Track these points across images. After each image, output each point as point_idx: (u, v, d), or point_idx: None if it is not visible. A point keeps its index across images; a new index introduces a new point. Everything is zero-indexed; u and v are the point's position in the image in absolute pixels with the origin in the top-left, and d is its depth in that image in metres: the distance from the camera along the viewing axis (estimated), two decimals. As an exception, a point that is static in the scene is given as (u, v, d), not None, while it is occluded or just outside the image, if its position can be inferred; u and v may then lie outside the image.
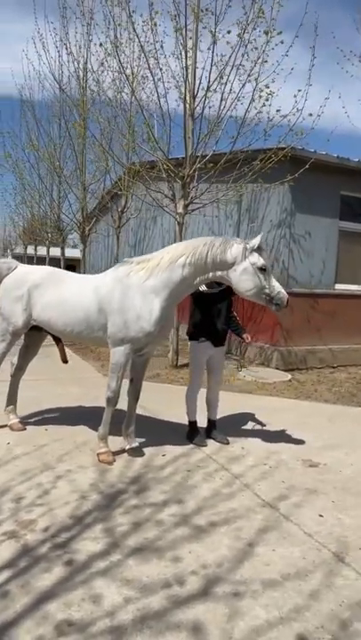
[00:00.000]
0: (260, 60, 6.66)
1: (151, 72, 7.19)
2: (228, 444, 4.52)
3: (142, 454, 4.17)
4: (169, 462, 4.06)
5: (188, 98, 7.29)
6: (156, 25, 6.49)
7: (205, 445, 4.46)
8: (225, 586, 2.48)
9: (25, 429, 4.68)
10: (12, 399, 4.73)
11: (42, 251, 21.50)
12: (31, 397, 5.81)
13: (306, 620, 2.25)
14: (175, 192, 7.72)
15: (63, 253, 15.44)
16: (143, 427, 4.89)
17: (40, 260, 19.80)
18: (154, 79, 7.21)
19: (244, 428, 5.05)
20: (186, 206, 7.61)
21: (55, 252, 17.55)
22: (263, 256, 3.72)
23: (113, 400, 4.06)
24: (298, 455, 4.32)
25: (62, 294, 4.03)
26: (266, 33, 6.36)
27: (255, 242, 3.71)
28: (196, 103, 7.32)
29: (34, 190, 14.96)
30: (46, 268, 4.41)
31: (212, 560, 2.70)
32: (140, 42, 7.03)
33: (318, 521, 3.18)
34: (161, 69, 7.00)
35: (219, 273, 3.83)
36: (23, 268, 4.32)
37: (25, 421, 4.84)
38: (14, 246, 29.22)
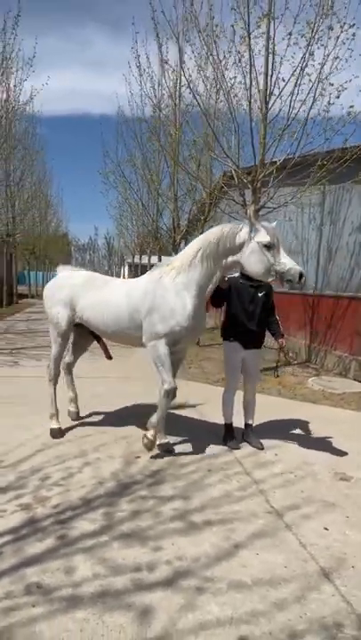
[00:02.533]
0: (330, 57, 6.41)
1: (226, 91, 7.33)
2: (262, 449, 4.44)
3: (171, 450, 4.31)
4: (194, 461, 4.13)
5: (260, 103, 7.28)
6: (218, 37, 6.64)
7: (238, 449, 4.43)
8: (191, 579, 2.52)
9: (78, 419, 5.12)
10: (72, 390, 5.13)
11: (147, 260, 22.71)
12: (98, 393, 6.33)
13: (256, 625, 2.20)
14: (246, 198, 7.73)
15: (160, 261, 16.19)
16: (185, 426, 5.05)
17: (144, 269, 20.94)
18: (226, 91, 7.34)
19: (286, 435, 4.89)
20: (256, 211, 7.56)
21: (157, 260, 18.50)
22: (270, 233, 3.69)
23: (171, 391, 4.00)
24: (332, 467, 4.08)
25: (102, 296, 4.33)
26: (330, 28, 6.12)
27: (259, 222, 3.72)
28: (269, 107, 7.28)
29: (136, 205, 15.92)
30: (87, 272, 4.76)
31: (191, 554, 2.75)
32: (210, 54, 7.22)
33: (321, 534, 3.02)
34: (230, 78, 7.11)
35: (230, 259, 3.87)
36: (65, 273, 4.73)
37: (82, 413, 5.27)
38: (126, 256, 31.31)
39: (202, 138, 7.86)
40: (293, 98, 6.83)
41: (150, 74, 11.25)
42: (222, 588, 2.46)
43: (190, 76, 9.03)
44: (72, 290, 4.46)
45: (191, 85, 7.53)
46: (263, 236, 3.70)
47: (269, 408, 5.90)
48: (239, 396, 4.63)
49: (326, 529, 3.07)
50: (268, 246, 3.69)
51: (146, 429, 4.19)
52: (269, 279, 3.80)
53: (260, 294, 4.29)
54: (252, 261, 3.77)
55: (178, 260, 4.03)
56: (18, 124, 16.70)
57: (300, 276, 3.64)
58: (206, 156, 9.59)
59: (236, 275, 4.33)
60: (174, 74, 9.96)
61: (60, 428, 4.70)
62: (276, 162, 7.29)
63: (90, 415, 5.33)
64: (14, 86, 13.56)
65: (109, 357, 5.00)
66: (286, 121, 6.95)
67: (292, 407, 6.06)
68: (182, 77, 7.90)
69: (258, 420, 5.12)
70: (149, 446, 4.13)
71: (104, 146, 19.59)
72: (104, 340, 4.86)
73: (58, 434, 4.63)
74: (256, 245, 3.72)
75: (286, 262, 3.69)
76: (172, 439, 4.52)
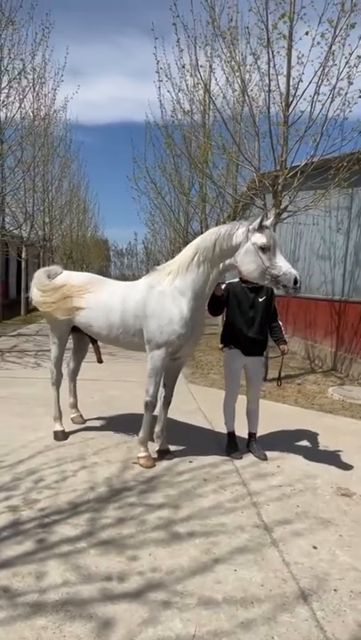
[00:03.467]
0: (353, 56, 6.19)
1: (246, 94, 7.24)
2: (265, 459, 4.29)
3: (170, 457, 4.24)
4: (191, 469, 4.05)
5: (282, 105, 7.13)
6: (237, 40, 6.55)
7: (240, 459, 4.30)
8: (161, 592, 2.45)
9: (84, 423, 5.14)
10: (73, 396, 5.20)
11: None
12: (110, 396, 6.36)
13: (217, 645, 2.10)
14: (267, 202, 7.58)
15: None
16: (191, 433, 4.97)
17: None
18: (246, 94, 7.24)
19: (293, 446, 4.70)
20: (278, 215, 7.38)
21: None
22: (267, 234, 3.58)
23: (151, 405, 4.16)
24: (335, 482, 3.89)
25: (99, 298, 4.27)
26: (351, 26, 5.90)
27: (257, 221, 3.62)
28: (290, 110, 7.11)
29: (167, 211, 15.96)
30: (86, 274, 4.75)
31: (167, 566, 2.67)
32: (232, 58, 7.14)
33: (308, 552, 2.86)
34: (250, 80, 6.99)
35: (228, 261, 3.80)
36: (65, 273, 4.74)
37: (88, 416, 5.30)
38: (161, 262, 31.52)
39: (222, 141, 7.75)
40: (315, 99, 6.64)
41: (174, 80, 11.27)
42: (190, 603, 2.37)
43: (217, 80, 9.04)
44: (70, 291, 4.39)
45: (208, 87, 7.46)
46: (259, 237, 3.60)
47: (282, 417, 5.73)
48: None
49: (315, 547, 2.91)
50: (264, 248, 3.58)
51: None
52: (265, 282, 3.68)
53: (260, 299, 4.15)
54: (246, 262, 3.67)
55: (175, 264, 3.97)
56: (55, 131, 17.22)
57: (295, 281, 3.50)
58: (232, 164, 9.47)
59: (236, 280, 4.23)
60: (193, 78, 9.92)
61: (63, 430, 4.72)
62: (298, 165, 7.11)
63: (98, 418, 5.34)
64: (45, 95, 14.01)
65: (100, 361, 4.98)
66: (308, 122, 6.76)
67: (307, 417, 5.84)
68: (201, 81, 7.81)
69: (267, 429, 4.99)
70: (148, 464, 4.06)
71: (133, 152, 19.73)
72: (98, 343, 4.85)
73: (61, 436, 4.65)
74: (251, 246, 3.62)
75: (282, 265, 3.56)
76: (175, 447, 4.45)
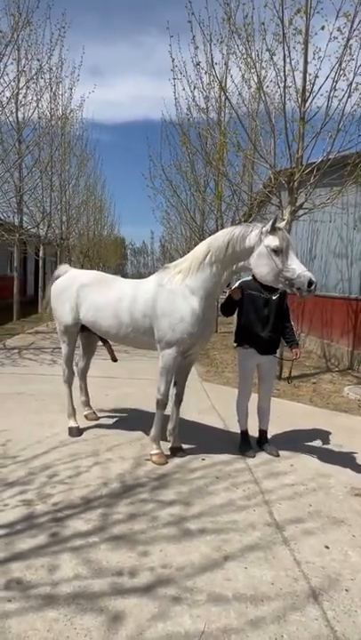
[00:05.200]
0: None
1: (262, 90, 7.19)
2: (277, 456, 4.27)
3: (182, 455, 4.25)
4: (204, 467, 4.05)
5: (298, 101, 7.06)
6: (252, 37, 6.50)
7: (253, 457, 4.29)
8: (171, 588, 2.46)
9: (97, 419, 5.19)
10: (85, 394, 5.24)
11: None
12: (124, 393, 6.40)
13: (226, 642, 2.10)
14: (282, 200, 7.52)
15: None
16: (204, 431, 4.97)
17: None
18: (262, 92, 7.19)
19: (307, 445, 4.67)
20: (293, 212, 7.33)
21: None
22: (280, 236, 3.53)
23: (162, 402, 4.16)
24: (349, 481, 3.85)
25: (108, 297, 4.27)
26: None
27: (270, 223, 3.57)
28: (306, 106, 7.04)
29: (182, 209, 15.95)
30: (94, 272, 4.75)
31: (177, 563, 2.68)
32: (247, 55, 7.10)
33: (319, 552, 2.84)
34: (265, 77, 6.94)
35: (241, 263, 3.76)
36: (73, 272, 4.74)
37: (102, 413, 5.35)
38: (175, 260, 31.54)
39: (237, 139, 7.73)
40: (331, 94, 6.56)
41: (190, 78, 11.28)
42: (200, 600, 2.38)
43: (232, 77, 8.99)
44: (78, 290, 4.42)
45: (223, 85, 7.43)
46: (272, 240, 3.55)
47: (296, 416, 5.69)
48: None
49: (327, 547, 2.89)
50: (277, 251, 3.53)
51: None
52: (279, 286, 3.63)
53: (274, 297, 4.12)
54: (260, 265, 3.63)
55: (185, 263, 3.96)
56: (71, 130, 17.34)
57: (310, 283, 3.44)
58: (247, 161, 9.43)
59: (249, 278, 4.21)
60: (209, 75, 9.88)
61: (77, 427, 4.76)
62: (314, 162, 7.04)
63: (112, 416, 5.38)
64: (61, 94, 14.15)
65: (115, 359, 5.00)
66: (324, 119, 6.68)
67: (322, 416, 5.79)
68: (216, 78, 7.78)
69: (281, 427, 4.98)
70: (161, 461, 4.08)
71: (149, 150, 19.70)
72: (109, 342, 4.86)
73: (75, 432, 4.70)
74: (264, 249, 3.58)
75: (296, 268, 3.50)
76: (188, 444, 4.46)
